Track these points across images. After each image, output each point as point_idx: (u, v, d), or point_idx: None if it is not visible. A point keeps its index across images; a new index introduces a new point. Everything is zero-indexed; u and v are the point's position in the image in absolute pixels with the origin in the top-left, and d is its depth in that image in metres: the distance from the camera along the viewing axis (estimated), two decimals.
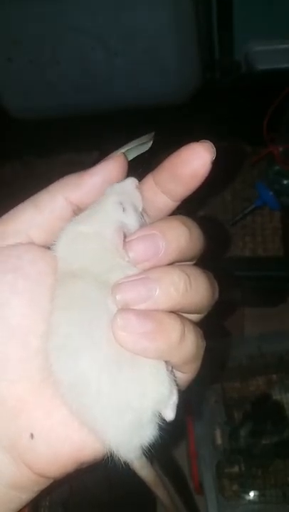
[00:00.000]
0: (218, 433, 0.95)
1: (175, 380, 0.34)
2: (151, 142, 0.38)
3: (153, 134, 0.38)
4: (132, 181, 0.36)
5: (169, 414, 0.33)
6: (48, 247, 0.35)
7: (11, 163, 1.16)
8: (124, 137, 0.39)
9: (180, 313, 0.33)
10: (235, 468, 0.92)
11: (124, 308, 0.31)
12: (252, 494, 0.90)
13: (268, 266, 0.98)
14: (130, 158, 0.37)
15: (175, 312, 0.33)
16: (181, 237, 0.32)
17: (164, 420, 0.33)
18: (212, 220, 1.04)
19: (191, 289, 0.32)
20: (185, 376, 0.35)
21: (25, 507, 0.34)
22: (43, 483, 0.34)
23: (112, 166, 0.35)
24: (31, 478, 0.33)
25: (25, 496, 0.34)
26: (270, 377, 1.00)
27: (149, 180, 0.36)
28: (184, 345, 0.32)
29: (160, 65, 0.85)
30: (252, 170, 1.09)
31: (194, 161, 0.33)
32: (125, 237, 0.33)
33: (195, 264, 0.36)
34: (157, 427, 0.33)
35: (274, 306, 1.10)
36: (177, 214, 0.36)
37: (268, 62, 0.92)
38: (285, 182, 0.97)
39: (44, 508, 0.42)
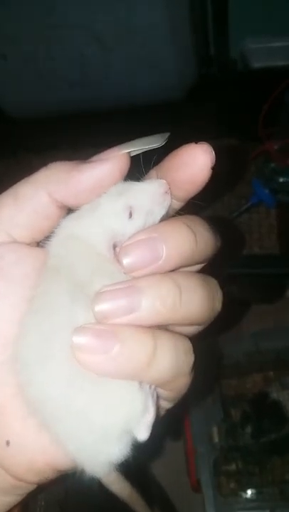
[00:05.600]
0: (215, 430, 0.95)
1: (155, 398, 0.31)
2: (164, 142, 0.33)
3: (168, 134, 0.33)
4: (159, 186, 0.32)
5: (142, 434, 0.30)
6: (36, 244, 0.34)
7: (5, 162, 1.16)
8: (121, 134, 0.37)
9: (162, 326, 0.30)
10: (233, 466, 0.92)
11: (83, 326, 0.28)
12: (249, 492, 0.90)
13: (264, 263, 0.98)
14: (133, 154, 0.32)
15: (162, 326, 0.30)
16: (184, 241, 0.29)
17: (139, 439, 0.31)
18: (208, 217, 1.04)
19: (181, 304, 0.29)
20: (169, 394, 0.32)
21: (15, 507, 0.34)
22: (26, 488, 0.33)
23: (111, 166, 0.31)
24: (11, 482, 0.32)
25: (9, 499, 0.33)
26: (267, 374, 1.00)
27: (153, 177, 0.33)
28: (154, 366, 0.28)
29: (156, 61, 0.85)
30: (248, 167, 1.09)
31: (192, 166, 0.30)
32: (115, 247, 0.31)
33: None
34: (129, 445, 0.31)
35: (270, 303, 1.10)
36: (182, 213, 0.33)
37: (263, 60, 0.92)
38: (281, 179, 0.97)
39: (40, 507, 0.42)
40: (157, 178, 0.32)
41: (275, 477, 0.90)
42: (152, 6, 0.78)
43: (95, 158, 0.32)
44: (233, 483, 0.91)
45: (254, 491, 0.90)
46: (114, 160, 0.31)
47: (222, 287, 0.33)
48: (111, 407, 0.29)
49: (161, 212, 0.32)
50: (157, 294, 0.28)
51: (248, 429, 0.94)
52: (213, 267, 0.34)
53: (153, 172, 0.33)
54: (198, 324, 0.32)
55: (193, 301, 0.29)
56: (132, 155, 0.32)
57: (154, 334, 0.29)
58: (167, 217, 0.33)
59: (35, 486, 0.33)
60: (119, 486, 0.36)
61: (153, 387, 0.31)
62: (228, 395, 0.99)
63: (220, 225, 0.34)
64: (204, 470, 0.90)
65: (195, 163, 0.30)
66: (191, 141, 0.30)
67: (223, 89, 0.97)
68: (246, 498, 0.89)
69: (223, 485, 0.90)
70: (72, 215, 0.33)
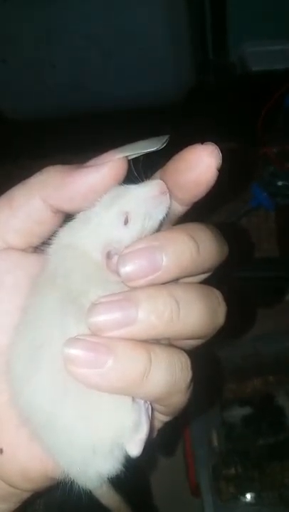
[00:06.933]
0: (214, 434, 0.95)
1: (149, 414, 0.30)
2: (163, 146, 0.32)
3: (167, 137, 0.32)
4: (155, 186, 0.31)
5: (133, 450, 0.30)
6: (33, 249, 0.33)
7: (5, 167, 1.16)
8: (119, 138, 0.38)
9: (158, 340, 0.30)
10: (232, 470, 0.91)
11: (76, 338, 0.27)
12: (249, 496, 0.89)
13: (264, 266, 0.98)
14: (131, 157, 0.31)
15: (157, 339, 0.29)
16: (185, 251, 0.28)
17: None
18: (206, 221, 1.04)
19: (178, 318, 0.28)
20: (165, 409, 0.31)
21: None
22: (22, 495, 0.33)
23: (106, 171, 0.30)
24: (7, 489, 0.32)
25: (6, 506, 0.33)
26: (267, 378, 1.00)
27: None
28: (148, 382, 0.27)
29: (154, 65, 0.85)
30: (247, 171, 1.09)
31: (197, 167, 0.29)
32: (111, 257, 0.30)
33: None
34: (121, 459, 0.30)
35: (269, 307, 1.10)
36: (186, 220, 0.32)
37: (262, 64, 0.92)
38: (280, 183, 0.98)
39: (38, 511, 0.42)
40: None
41: (274, 481, 0.90)
42: (151, 11, 0.78)
43: (91, 162, 0.31)
44: (232, 488, 0.90)
45: (253, 495, 0.89)
46: (109, 165, 0.30)
47: (226, 299, 0.32)
48: (99, 423, 0.29)
49: (159, 214, 0.31)
50: (153, 307, 0.27)
51: (247, 432, 0.94)
52: (220, 274, 0.33)
53: (157, 175, 0.33)
54: (198, 338, 0.31)
55: (192, 314, 0.28)
56: (129, 158, 0.31)
57: (148, 349, 0.28)
58: (169, 220, 0.32)
59: (31, 493, 0.33)
60: (110, 500, 0.35)
61: (148, 402, 0.30)
62: (227, 398, 0.99)
63: (220, 230, 0.34)
64: (203, 474, 0.90)
65: (201, 164, 0.29)
66: (196, 142, 0.30)
67: (222, 92, 0.97)
68: (246, 502, 0.89)
69: (222, 489, 0.90)
70: (70, 224, 0.33)
